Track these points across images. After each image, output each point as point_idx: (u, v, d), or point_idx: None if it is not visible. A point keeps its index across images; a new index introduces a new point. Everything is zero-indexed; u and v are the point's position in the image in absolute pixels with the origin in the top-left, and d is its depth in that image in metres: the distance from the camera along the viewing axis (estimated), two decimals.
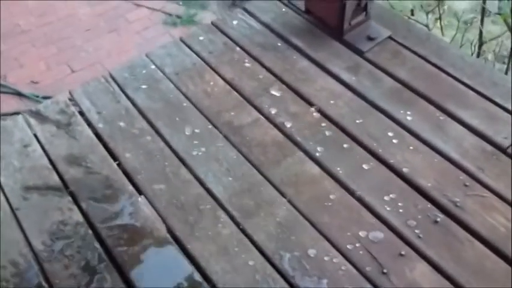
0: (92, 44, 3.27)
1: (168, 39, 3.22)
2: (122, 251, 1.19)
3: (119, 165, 1.39)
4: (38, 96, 2.88)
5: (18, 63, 3.14)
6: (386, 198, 1.28)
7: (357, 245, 1.18)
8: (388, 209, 1.25)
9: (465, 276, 1.13)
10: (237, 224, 1.23)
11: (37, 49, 3.24)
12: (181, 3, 3.63)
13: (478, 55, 2.37)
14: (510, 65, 2.29)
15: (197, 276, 1.13)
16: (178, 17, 3.54)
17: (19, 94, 2.94)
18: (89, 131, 1.49)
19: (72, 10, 3.55)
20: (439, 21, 2.43)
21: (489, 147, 1.38)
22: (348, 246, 1.18)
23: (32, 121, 1.53)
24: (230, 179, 1.32)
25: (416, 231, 1.21)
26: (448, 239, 1.19)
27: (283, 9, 1.90)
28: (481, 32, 2.34)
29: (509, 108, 1.48)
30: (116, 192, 1.31)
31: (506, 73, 2.27)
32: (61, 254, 1.19)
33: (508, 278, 1.12)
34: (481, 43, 2.35)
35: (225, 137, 1.44)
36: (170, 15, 3.52)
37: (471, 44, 2.39)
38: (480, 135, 1.41)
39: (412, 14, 2.48)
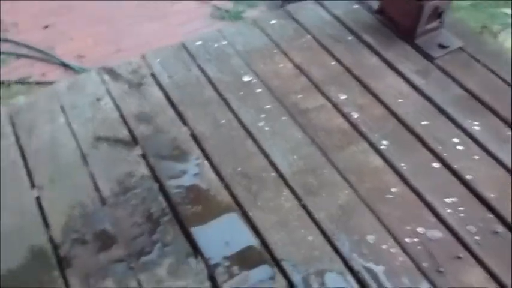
0: (140, 28, 3.30)
1: None
2: (185, 208, 1.22)
3: (187, 128, 1.42)
4: (83, 70, 2.92)
5: (67, 37, 3.19)
6: (447, 200, 1.28)
7: (415, 239, 1.19)
8: (448, 211, 1.25)
9: None
10: (299, 199, 1.25)
11: (86, 26, 3.29)
12: None
13: None
14: None
15: (257, 243, 1.15)
16: (226, 11, 3.55)
17: (64, 65, 2.98)
18: (159, 93, 1.53)
19: None
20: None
21: None
22: (406, 240, 1.19)
23: (106, 77, 1.58)
24: (295, 157, 1.34)
25: (476, 237, 1.20)
26: (507, 251, 1.18)
27: (354, 6, 1.91)
28: None
29: None
30: (183, 153, 1.35)
31: None
32: (126, 203, 1.23)
33: None
34: None
35: (292, 116, 1.46)
36: (219, 8, 3.54)
37: None
38: None
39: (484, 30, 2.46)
